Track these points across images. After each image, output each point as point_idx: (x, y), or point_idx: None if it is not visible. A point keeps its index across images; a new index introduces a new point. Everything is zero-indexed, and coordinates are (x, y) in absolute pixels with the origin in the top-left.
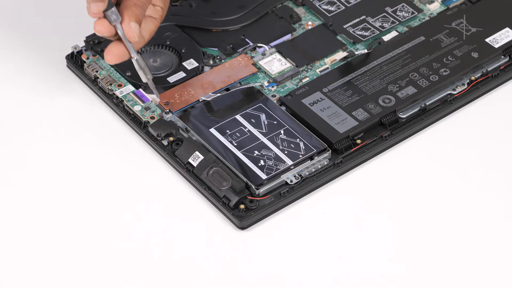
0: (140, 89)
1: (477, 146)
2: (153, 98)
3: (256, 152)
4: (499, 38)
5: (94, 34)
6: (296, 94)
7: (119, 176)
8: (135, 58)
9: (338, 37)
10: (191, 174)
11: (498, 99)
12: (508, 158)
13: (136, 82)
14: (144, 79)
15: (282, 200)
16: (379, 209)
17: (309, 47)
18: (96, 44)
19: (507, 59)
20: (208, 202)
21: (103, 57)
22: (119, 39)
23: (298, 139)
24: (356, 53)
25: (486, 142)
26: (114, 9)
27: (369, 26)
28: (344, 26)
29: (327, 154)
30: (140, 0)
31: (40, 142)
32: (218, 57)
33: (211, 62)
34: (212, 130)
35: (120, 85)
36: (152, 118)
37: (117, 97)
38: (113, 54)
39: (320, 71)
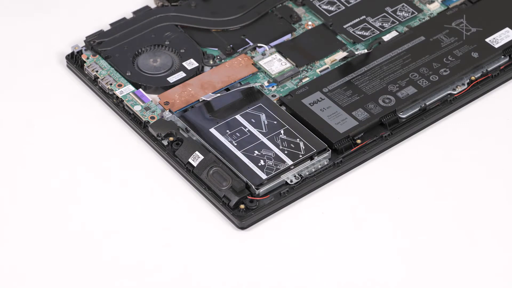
0: (140, 89)
1: (477, 146)
2: (153, 98)
3: (256, 152)
4: (499, 38)
5: (94, 34)
6: (296, 94)
7: (119, 176)
8: None
9: (338, 37)
10: (191, 174)
11: (498, 99)
12: (508, 158)
13: (136, 82)
14: None
15: (282, 200)
16: (379, 209)
17: (309, 47)
18: (96, 44)
19: (507, 59)
20: (208, 202)
21: (103, 57)
22: None
23: (298, 139)
24: (356, 53)
25: (486, 142)
26: None
27: (369, 26)
28: (344, 26)
29: (327, 154)
30: None
31: (39, 142)
32: (218, 57)
33: (211, 62)
34: (212, 130)
35: (120, 85)
36: (152, 118)
37: (117, 97)
38: None
39: (320, 71)
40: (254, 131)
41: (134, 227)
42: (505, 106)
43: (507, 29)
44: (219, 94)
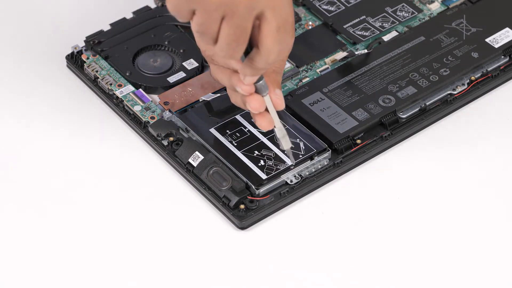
0: (140, 89)
1: (477, 146)
2: (153, 98)
3: (256, 152)
4: (499, 38)
5: (94, 34)
6: (296, 94)
7: (119, 176)
8: (279, 127)
9: (338, 37)
10: (191, 174)
11: (498, 99)
12: (508, 158)
13: (136, 82)
14: (286, 146)
15: (282, 200)
16: (379, 209)
17: (309, 47)
18: (96, 44)
19: (507, 59)
20: (208, 202)
21: (103, 57)
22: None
23: (298, 139)
24: (356, 53)
25: (486, 142)
26: (263, 81)
27: (369, 26)
28: (344, 26)
29: (327, 154)
30: (277, 66)
31: (39, 142)
32: None
33: None
34: (212, 130)
35: (120, 85)
36: (152, 118)
37: (117, 97)
38: (267, 121)
39: (320, 71)
40: (254, 131)
41: (134, 227)
42: (505, 106)
43: (507, 29)
44: (219, 94)
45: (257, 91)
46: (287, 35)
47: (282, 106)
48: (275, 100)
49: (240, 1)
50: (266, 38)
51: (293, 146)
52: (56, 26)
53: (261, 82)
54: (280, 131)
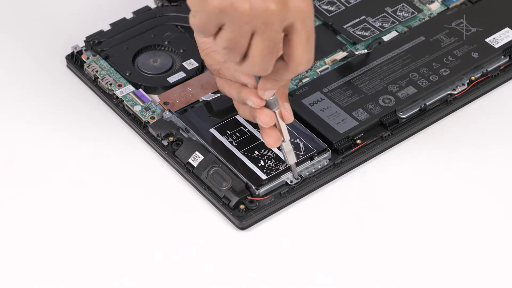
0: (140, 89)
1: (477, 146)
2: (153, 98)
3: (256, 152)
4: (499, 38)
5: (94, 34)
6: (296, 94)
7: (119, 176)
8: (287, 141)
9: (338, 37)
10: (191, 174)
11: (498, 99)
12: (508, 158)
13: (136, 82)
14: (291, 161)
15: (282, 200)
16: (379, 209)
17: None
18: (96, 44)
19: (507, 59)
20: (208, 202)
21: (103, 57)
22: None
23: (298, 139)
24: (356, 53)
25: (486, 142)
26: (275, 96)
27: (369, 26)
28: (344, 26)
29: (327, 154)
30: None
31: (39, 142)
32: None
33: None
34: (212, 130)
35: (120, 85)
36: (152, 118)
37: (117, 97)
38: (275, 138)
39: (320, 71)
40: (254, 131)
41: (133, 227)
42: (505, 106)
43: (507, 29)
44: (219, 94)
45: (267, 105)
46: (313, 44)
47: (291, 119)
48: (284, 113)
49: (272, 12)
50: (297, 49)
51: (295, 159)
52: (56, 26)
53: (272, 97)
54: (287, 146)
